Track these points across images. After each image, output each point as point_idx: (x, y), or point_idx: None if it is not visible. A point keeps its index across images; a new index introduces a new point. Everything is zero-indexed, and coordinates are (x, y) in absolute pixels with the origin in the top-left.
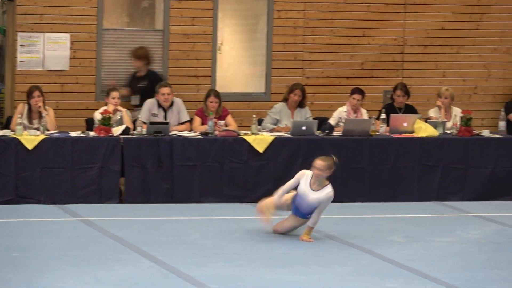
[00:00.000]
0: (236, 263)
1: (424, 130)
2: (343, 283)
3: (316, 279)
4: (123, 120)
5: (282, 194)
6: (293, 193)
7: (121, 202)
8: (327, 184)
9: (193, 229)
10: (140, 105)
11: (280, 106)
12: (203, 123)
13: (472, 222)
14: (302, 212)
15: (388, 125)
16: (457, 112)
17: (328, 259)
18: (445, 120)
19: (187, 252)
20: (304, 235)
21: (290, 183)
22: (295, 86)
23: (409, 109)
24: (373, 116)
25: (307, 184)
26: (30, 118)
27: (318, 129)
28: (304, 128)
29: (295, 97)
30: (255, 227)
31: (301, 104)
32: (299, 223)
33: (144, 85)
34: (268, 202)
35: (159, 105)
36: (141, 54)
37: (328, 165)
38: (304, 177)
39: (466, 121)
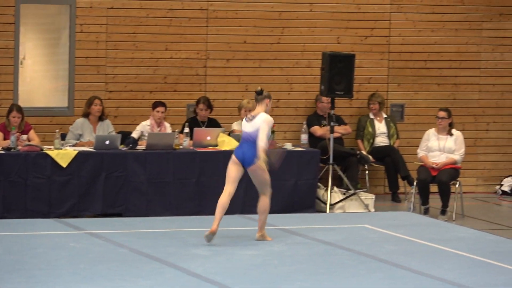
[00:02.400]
0: (38, 279)
1: (227, 143)
2: None
3: None
4: None
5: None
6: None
7: None
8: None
9: None
10: None
11: (81, 121)
12: (5, 138)
13: (275, 235)
14: (242, 149)
15: (191, 139)
16: None
17: (132, 274)
18: None
19: None
20: (260, 162)
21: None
22: (93, 97)
23: (212, 123)
24: (177, 130)
25: (245, 119)
26: None
27: (121, 143)
28: (107, 142)
29: (96, 107)
30: (59, 243)
31: (101, 118)
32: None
33: None
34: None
35: None
36: None
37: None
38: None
39: None
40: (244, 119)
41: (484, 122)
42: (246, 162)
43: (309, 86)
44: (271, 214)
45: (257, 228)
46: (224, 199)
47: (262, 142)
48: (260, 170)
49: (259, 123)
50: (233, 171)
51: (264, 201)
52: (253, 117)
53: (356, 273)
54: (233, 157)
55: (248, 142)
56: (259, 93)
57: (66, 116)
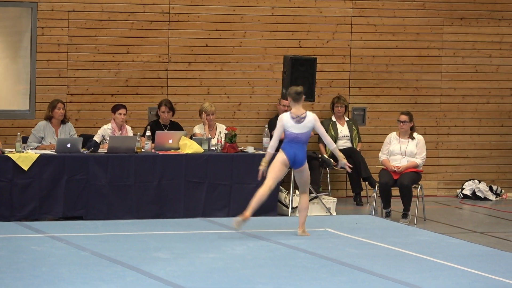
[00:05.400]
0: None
1: (189, 146)
2: None
3: None
4: None
5: (273, 147)
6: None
7: None
8: (305, 112)
9: None
10: None
11: (43, 124)
12: None
13: (237, 238)
14: (293, 149)
15: (153, 142)
16: (221, 128)
17: (94, 277)
18: (210, 136)
19: None
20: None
21: (276, 133)
22: (56, 101)
23: (174, 126)
24: (139, 133)
25: (290, 120)
26: None
27: (83, 146)
28: (69, 145)
29: (59, 111)
30: (21, 246)
31: (63, 121)
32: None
33: None
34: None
35: None
36: None
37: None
38: (284, 118)
39: (230, 137)
40: (289, 120)
41: (445, 126)
42: (296, 164)
43: (271, 89)
44: (232, 217)
45: (216, 231)
46: (265, 193)
47: (332, 143)
48: (307, 171)
49: (311, 124)
50: (279, 170)
51: (305, 199)
52: (300, 117)
53: (317, 277)
54: (283, 156)
55: (298, 143)
56: (300, 93)
57: (28, 119)
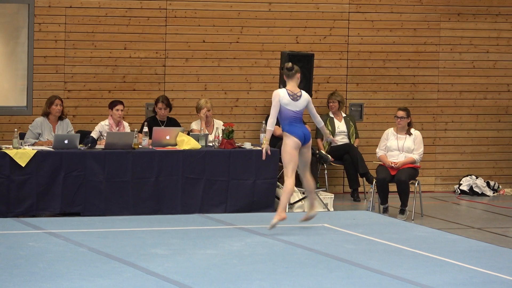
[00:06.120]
0: None
1: (186, 142)
2: None
3: None
4: None
5: (273, 124)
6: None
7: None
8: (300, 91)
9: None
10: None
11: (40, 120)
12: None
13: (234, 234)
14: (300, 128)
15: (150, 138)
16: (219, 124)
17: (91, 273)
18: (207, 132)
19: None
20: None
21: (273, 110)
22: (53, 97)
23: (172, 122)
24: (136, 129)
25: (286, 96)
26: None
27: (80, 143)
28: (66, 141)
29: (56, 107)
30: (18, 242)
31: (61, 117)
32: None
33: None
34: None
35: None
36: None
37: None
38: (280, 94)
39: (228, 133)
40: (286, 96)
41: (442, 122)
42: (306, 140)
43: (268, 85)
44: (230, 213)
45: (214, 227)
46: (292, 186)
47: (321, 122)
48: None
49: (305, 102)
50: (296, 157)
51: (311, 178)
52: (297, 95)
53: (315, 272)
54: (294, 139)
55: (298, 120)
56: (290, 69)
57: (25, 115)
